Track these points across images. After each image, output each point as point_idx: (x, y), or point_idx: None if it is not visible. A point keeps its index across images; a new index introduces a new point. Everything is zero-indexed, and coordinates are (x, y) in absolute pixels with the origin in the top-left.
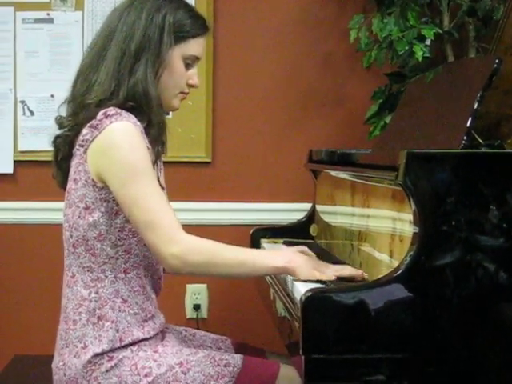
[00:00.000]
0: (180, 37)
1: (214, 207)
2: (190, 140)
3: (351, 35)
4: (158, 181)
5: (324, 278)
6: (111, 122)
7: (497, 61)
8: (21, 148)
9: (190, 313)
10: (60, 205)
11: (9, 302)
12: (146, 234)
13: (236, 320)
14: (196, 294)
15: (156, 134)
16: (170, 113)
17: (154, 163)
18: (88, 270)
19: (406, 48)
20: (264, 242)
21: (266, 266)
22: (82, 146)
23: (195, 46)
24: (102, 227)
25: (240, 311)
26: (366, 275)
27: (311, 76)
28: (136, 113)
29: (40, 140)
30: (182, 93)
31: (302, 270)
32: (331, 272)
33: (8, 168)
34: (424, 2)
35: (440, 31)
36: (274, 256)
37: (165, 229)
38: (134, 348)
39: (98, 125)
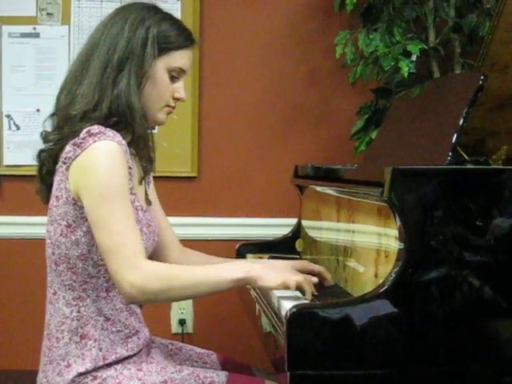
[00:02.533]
0: (164, 48)
1: (200, 222)
2: (175, 155)
3: (337, 51)
4: (147, 196)
5: (291, 283)
6: (94, 141)
7: (482, 77)
8: (6, 162)
9: (175, 328)
10: (45, 219)
11: None
12: (108, 257)
13: (222, 335)
14: (181, 308)
15: (141, 147)
16: (156, 127)
17: (142, 180)
18: (69, 289)
19: (392, 64)
20: (249, 257)
21: (226, 280)
22: (65, 163)
23: (180, 59)
24: (84, 246)
25: (226, 326)
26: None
27: (297, 91)
28: (120, 127)
29: (26, 154)
30: (167, 106)
31: (264, 278)
32: (296, 277)
33: None
34: (410, 18)
35: (426, 47)
36: (232, 268)
37: (126, 256)
38: (118, 366)
39: (81, 143)
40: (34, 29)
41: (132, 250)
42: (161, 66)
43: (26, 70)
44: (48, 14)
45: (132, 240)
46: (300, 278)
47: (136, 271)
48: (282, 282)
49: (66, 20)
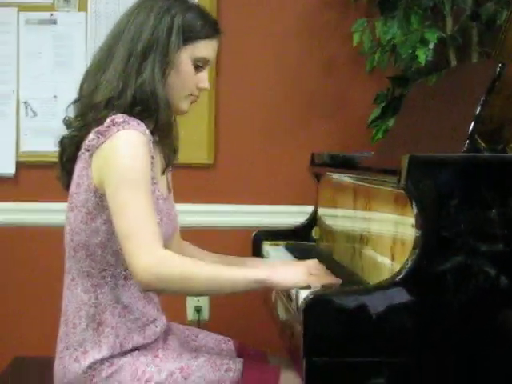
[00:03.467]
0: (189, 38)
1: (216, 209)
2: (192, 142)
3: (354, 39)
4: (168, 183)
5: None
6: (118, 130)
7: (500, 65)
8: (23, 149)
9: (191, 315)
10: (62, 206)
11: (10, 303)
12: (123, 242)
13: (237, 322)
14: (198, 296)
15: (164, 135)
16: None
17: (165, 168)
18: (88, 275)
19: (409, 52)
20: (266, 245)
21: (245, 280)
22: (88, 150)
23: (205, 48)
24: (104, 235)
25: (242, 314)
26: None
27: (314, 79)
28: (144, 115)
29: (42, 141)
30: (191, 95)
31: (285, 284)
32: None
33: (10, 169)
34: (427, 6)
35: (443, 35)
36: (254, 270)
37: (142, 241)
38: (135, 353)
39: (105, 131)
40: (51, 15)
41: (148, 236)
42: (185, 56)
43: (42, 57)
44: (65, 0)
45: (149, 226)
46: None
47: (151, 257)
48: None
49: (83, 7)
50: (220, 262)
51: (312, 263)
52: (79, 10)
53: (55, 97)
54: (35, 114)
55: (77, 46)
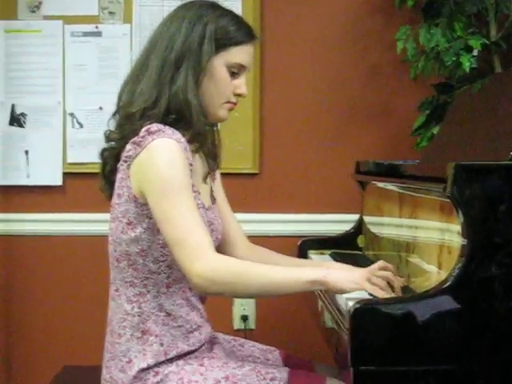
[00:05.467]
0: (222, 44)
1: (262, 218)
2: (237, 151)
3: (398, 46)
4: (212, 193)
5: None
6: (153, 139)
7: None
8: (70, 160)
9: (237, 324)
10: (108, 216)
11: (58, 312)
12: (174, 250)
13: (284, 331)
14: (244, 305)
15: (201, 143)
16: (218, 124)
17: (207, 176)
18: (131, 285)
19: (453, 59)
20: (312, 254)
21: (299, 281)
22: (126, 161)
23: (239, 54)
24: (144, 243)
25: (288, 322)
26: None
27: (358, 87)
28: (179, 124)
29: (89, 152)
30: (228, 102)
31: (344, 284)
32: (377, 280)
33: (57, 180)
34: (471, 13)
35: (487, 42)
36: (308, 270)
37: (192, 247)
38: (180, 362)
39: (140, 141)
40: (96, 27)
41: (197, 241)
42: (219, 62)
43: (88, 69)
44: (110, 12)
45: (197, 232)
46: (379, 280)
47: (203, 262)
48: (362, 286)
49: (127, 18)
50: (295, 266)
51: (377, 267)
52: (124, 21)
53: (101, 108)
54: (81, 126)
55: (122, 57)
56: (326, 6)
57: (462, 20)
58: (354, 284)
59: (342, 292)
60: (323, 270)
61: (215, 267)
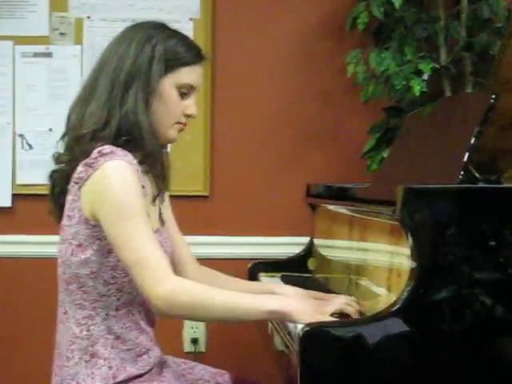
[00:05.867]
0: (171, 65)
1: (212, 241)
2: (187, 174)
3: (348, 70)
4: (160, 216)
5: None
6: (106, 161)
7: (493, 96)
8: (19, 181)
9: (187, 347)
10: (57, 238)
11: (5, 335)
12: (133, 273)
13: (235, 354)
14: (194, 327)
15: (152, 165)
16: (168, 146)
17: (155, 198)
18: (80, 308)
19: (404, 83)
20: (262, 276)
21: (259, 310)
22: (77, 183)
23: (188, 75)
24: (94, 265)
25: (238, 345)
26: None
27: (309, 110)
28: (130, 146)
29: (38, 173)
30: (178, 123)
31: (299, 316)
32: (331, 309)
33: (6, 201)
34: (421, 37)
35: (437, 66)
36: (267, 300)
37: (151, 269)
38: None
39: (92, 163)
40: (47, 48)
41: (157, 263)
42: (169, 83)
43: (38, 90)
44: (61, 33)
45: (155, 254)
46: (334, 307)
47: (164, 284)
48: (317, 319)
49: (78, 40)
50: (245, 289)
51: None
52: (75, 43)
53: (51, 130)
54: (31, 147)
55: (72, 78)
56: (278, 29)
57: (413, 44)
58: (310, 318)
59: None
60: (283, 299)
61: (176, 290)
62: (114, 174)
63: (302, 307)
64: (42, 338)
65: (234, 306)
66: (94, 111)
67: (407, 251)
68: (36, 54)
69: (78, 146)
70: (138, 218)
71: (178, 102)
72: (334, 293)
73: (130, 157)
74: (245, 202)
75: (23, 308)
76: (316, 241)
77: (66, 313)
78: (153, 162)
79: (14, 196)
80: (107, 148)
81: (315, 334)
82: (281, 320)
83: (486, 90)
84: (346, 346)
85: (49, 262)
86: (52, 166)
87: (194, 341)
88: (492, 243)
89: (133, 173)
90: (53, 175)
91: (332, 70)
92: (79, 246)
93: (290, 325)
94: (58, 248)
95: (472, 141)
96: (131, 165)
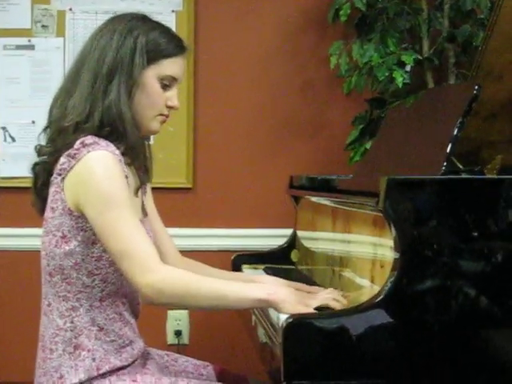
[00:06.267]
0: (153, 57)
1: (195, 233)
2: (170, 166)
3: (331, 61)
4: (143, 206)
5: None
6: (88, 152)
7: (476, 87)
8: (2, 174)
9: (171, 339)
10: (41, 231)
11: None
12: (121, 263)
13: (218, 346)
14: (177, 320)
15: (135, 156)
16: (152, 138)
17: (138, 189)
18: (63, 300)
19: (386, 74)
20: (245, 268)
21: (247, 298)
22: (60, 174)
23: (170, 66)
24: (78, 256)
25: (222, 337)
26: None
27: (292, 102)
28: (113, 138)
29: (21, 166)
30: (161, 115)
31: (285, 305)
32: (317, 303)
33: None
34: (404, 29)
35: (420, 57)
36: (255, 288)
37: (139, 258)
38: (113, 378)
39: (75, 154)
40: (29, 41)
41: (145, 252)
42: (151, 75)
43: (21, 82)
44: (43, 26)
45: (143, 243)
46: (320, 301)
47: (152, 273)
48: (300, 310)
49: (60, 32)
50: (228, 280)
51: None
52: (57, 35)
53: (33, 122)
54: (14, 140)
55: (55, 71)
56: (260, 20)
57: (395, 35)
58: (294, 308)
59: (288, 312)
60: (271, 288)
61: (165, 278)
62: (97, 164)
63: (288, 296)
64: (26, 331)
65: (223, 294)
66: (76, 103)
67: (390, 242)
68: (18, 47)
69: (60, 138)
70: (123, 208)
71: (161, 94)
72: (317, 285)
73: (112, 147)
74: (228, 194)
75: (7, 301)
76: (299, 233)
77: (49, 305)
78: (135, 153)
79: None
80: (90, 139)
81: (298, 325)
82: (267, 308)
83: (469, 80)
84: (330, 338)
85: (33, 255)
86: (35, 158)
87: (178, 333)
88: (475, 234)
89: (116, 163)
90: (35, 167)
91: (315, 62)
92: (63, 237)
93: (273, 316)
94: (42, 240)
95: (455, 132)
96: (114, 155)
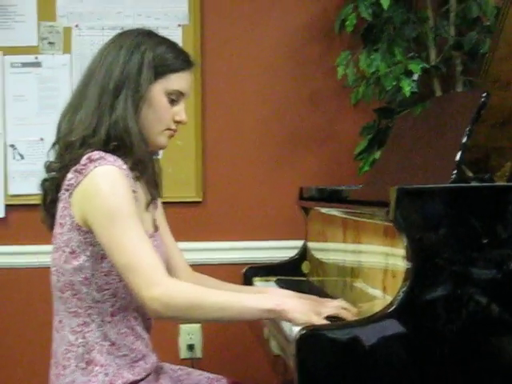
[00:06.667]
0: (160, 72)
1: (206, 247)
2: (180, 180)
3: (338, 72)
4: (154, 221)
5: (321, 320)
6: (95, 167)
7: (484, 94)
8: (12, 192)
9: (184, 353)
10: (51, 248)
11: (1, 345)
12: (128, 276)
13: (231, 359)
14: (190, 334)
15: (143, 171)
16: (160, 153)
17: (149, 204)
18: (74, 315)
19: (394, 83)
20: (257, 281)
21: (254, 309)
22: (67, 190)
23: (177, 81)
24: (88, 271)
25: (235, 350)
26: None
27: (300, 113)
28: (120, 152)
29: (30, 183)
30: (168, 129)
31: (295, 315)
32: (328, 312)
33: (0, 212)
34: (410, 38)
35: (427, 66)
36: (262, 298)
37: (144, 271)
38: None
39: (82, 169)
40: (36, 58)
41: (150, 265)
42: (158, 90)
43: (28, 100)
44: (49, 43)
45: (149, 257)
46: (331, 310)
47: (158, 286)
48: (311, 319)
49: (67, 49)
50: (237, 291)
51: (333, 304)
52: (64, 52)
53: (42, 139)
54: (22, 157)
55: (62, 88)
56: (267, 32)
57: (402, 44)
58: (306, 317)
59: (297, 322)
60: (279, 298)
61: (171, 292)
62: (104, 180)
63: (297, 306)
64: (37, 348)
65: (229, 305)
66: (83, 118)
67: (402, 252)
68: (25, 64)
69: (67, 154)
70: (128, 222)
71: (168, 109)
72: (329, 296)
73: (119, 162)
74: (238, 206)
75: (18, 319)
76: (310, 244)
77: (61, 321)
78: (143, 168)
79: (7, 207)
80: (96, 154)
81: (311, 336)
82: (276, 319)
83: (477, 88)
84: (343, 349)
85: (43, 272)
86: (44, 175)
87: (191, 347)
88: (486, 242)
89: (123, 177)
90: (44, 184)
91: (322, 73)
92: (72, 252)
93: (286, 328)
94: (51, 256)
95: (464, 140)
96: (121, 169)
